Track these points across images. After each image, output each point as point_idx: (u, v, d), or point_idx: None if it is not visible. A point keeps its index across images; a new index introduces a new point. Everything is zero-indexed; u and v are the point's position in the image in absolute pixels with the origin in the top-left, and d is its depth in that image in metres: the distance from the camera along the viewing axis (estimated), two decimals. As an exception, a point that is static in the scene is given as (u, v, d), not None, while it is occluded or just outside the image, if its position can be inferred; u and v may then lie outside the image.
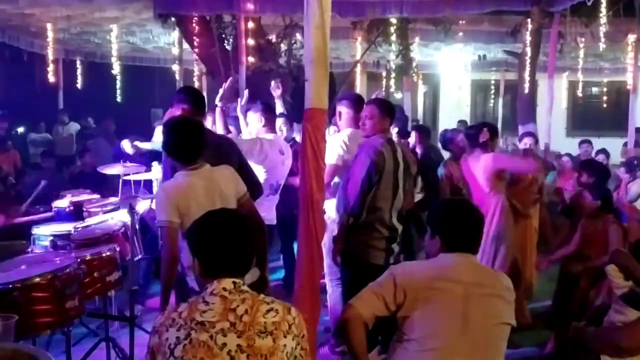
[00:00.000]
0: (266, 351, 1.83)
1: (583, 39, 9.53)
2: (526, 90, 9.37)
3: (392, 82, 10.62)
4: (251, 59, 7.66)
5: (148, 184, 5.92)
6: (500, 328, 2.39)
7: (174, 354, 1.82)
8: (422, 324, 2.30)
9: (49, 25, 9.25)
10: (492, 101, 15.71)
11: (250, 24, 7.63)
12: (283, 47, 8.44)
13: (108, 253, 3.62)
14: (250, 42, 7.61)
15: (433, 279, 2.35)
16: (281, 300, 1.99)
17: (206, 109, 3.92)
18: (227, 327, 1.84)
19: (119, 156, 5.91)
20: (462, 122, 10.82)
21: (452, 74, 13.69)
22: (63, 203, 5.36)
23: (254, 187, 3.70)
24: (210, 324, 1.84)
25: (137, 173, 5.74)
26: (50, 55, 9.88)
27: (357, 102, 4.35)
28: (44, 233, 4.30)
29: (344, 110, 4.35)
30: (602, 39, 8.59)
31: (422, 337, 2.30)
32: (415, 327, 2.31)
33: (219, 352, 1.81)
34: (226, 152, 3.63)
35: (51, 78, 10.18)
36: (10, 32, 9.45)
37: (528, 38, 8.99)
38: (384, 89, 11.35)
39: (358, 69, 11.46)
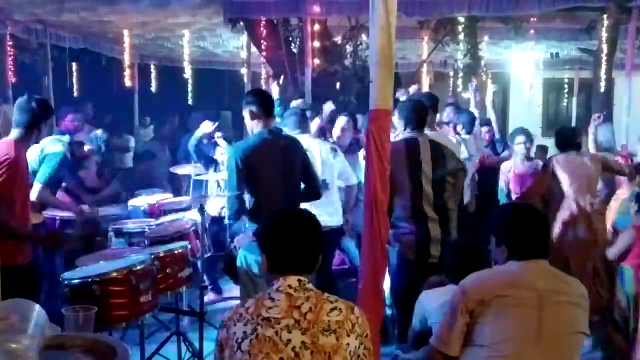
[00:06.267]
0: (330, 349, 1.86)
1: (665, 35, 9.04)
2: (602, 89, 8.99)
3: (459, 81, 10.40)
4: (317, 61, 7.72)
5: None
6: (575, 338, 2.32)
7: (241, 348, 1.88)
8: (493, 330, 2.26)
9: (125, 32, 9.64)
10: (565, 101, 15.12)
11: (317, 27, 7.68)
12: (349, 48, 8.44)
13: (180, 250, 3.75)
14: (316, 44, 7.67)
15: (504, 286, 2.30)
16: (345, 300, 2.02)
17: (274, 112, 4.00)
18: (292, 324, 1.88)
19: (189, 156, 6.08)
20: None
21: (523, 73, 13.27)
22: (138, 202, 5.61)
23: (313, 190, 3.81)
24: (275, 320, 1.89)
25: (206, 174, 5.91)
26: (127, 61, 10.28)
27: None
28: (121, 230, 4.51)
29: None
30: (686, 34, 8.12)
31: (493, 343, 2.26)
32: (487, 334, 2.27)
33: (284, 348, 1.85)
34: (292, 152, 3.70)
35: (128, 82, 10.59)
36: (91, 38, 9.91)
37: (604, 35, 8.59)
38: (451, 89, 11.15)
39: (425, 69, 11.32)
